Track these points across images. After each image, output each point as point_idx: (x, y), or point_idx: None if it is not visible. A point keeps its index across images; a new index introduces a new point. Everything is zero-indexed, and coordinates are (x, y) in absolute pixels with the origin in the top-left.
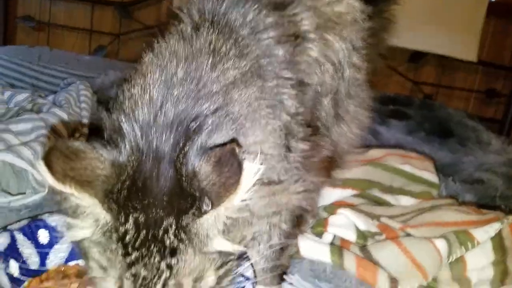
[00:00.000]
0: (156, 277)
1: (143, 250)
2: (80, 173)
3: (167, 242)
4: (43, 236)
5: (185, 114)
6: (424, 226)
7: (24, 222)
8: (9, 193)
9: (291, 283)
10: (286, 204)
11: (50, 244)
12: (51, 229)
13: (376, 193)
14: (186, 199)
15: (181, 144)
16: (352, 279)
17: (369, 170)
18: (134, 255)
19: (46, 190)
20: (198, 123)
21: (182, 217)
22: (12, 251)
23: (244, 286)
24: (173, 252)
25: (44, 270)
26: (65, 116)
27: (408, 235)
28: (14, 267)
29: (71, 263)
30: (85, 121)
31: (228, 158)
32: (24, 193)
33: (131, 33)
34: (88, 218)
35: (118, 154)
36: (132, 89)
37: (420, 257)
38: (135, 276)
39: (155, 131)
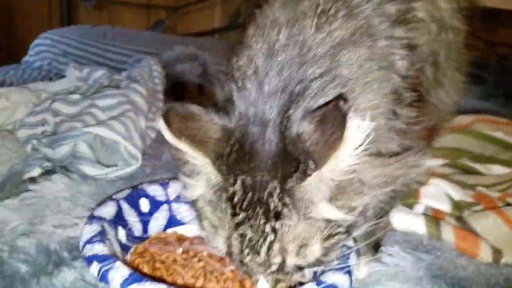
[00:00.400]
0: (262, 239)
1: (250, 211)
2: (194, 133)
3: (272, 205)
4: (144, 204)
5: (289, 80)
6: None
7: (127, 192)
8: (104, 165)
9: (390, 254)
10: (400, 176)
11: (151, 213)
12: (150, 198)
13: (466, 162)
14: (291, 162)
15: (285, 109)
16: (451, 251)
17: (458, 138)
18: (242, 215)
19: (139, 162)
20: (302, 87)
21: (287, 181)
22: (120, 219)
23: (349, 255)
24: (278, 215)
25: (146, 237)
26: (144, 91)
27: (508, 204)
28: (122, 234)
29: (169, 230)
30: (160, 96)
31: (332, 114)
32: (116, 166)
33: (187, 7)
34: (201, 178)
35: (229, 120)
36: (240, 61)
37: None
38: (242, 236)
39: (261, 99)
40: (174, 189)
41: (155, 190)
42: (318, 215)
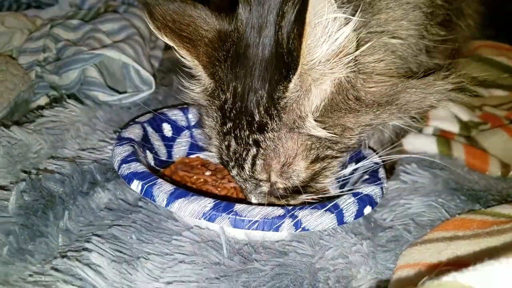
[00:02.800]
0: (245, 152)
1: (237, 121)
2: (182, 27)
3: (257, 116)
4: (167, 129)
5: None
6: None
7: (149, 116)
8: (116, 91)
9: (408, 173)
10: (425, 100)
11: (173, 138)
12: (172, 123)
13: (468, 85)
14: (281, 69)
15: (281, 12)
16: (463, 167)
17: (464, 63)
18: (229, 125)
19: (153, 87)
20: None
21: (274, 89)
22: (147, 141)
23: (378, 170)
24: (261, 127)
25: (171, 161)
26: (143, 16)
27: None
28: (150, 157)
29: (192, 156)
30: None
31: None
32: (125, 92)
33: None
34: (198, 82)
35: (227, 23)
36: None
37: None
38: (228, 146)
39: (263, 11)
40: (194, 114)
41: (176, 115)
42: (304, 130)
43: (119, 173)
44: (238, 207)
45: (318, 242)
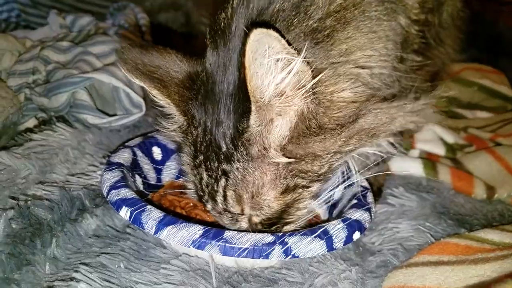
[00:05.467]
0: (215, 183)
1: (207, 154)
2: (152, 70)
3: (224, 148)
4: (156, 152)
5: (256, 12)
6: None
7: (139, 140)
8: (106, 114)
9: (395, 196)
10: (394, 122)
11: (163, 161)
12: (162, 146)
13: (454, 108)
14: (243, 104)
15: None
16: (449, 190)
17: (449, 86)
18: (200, 158)
19: (144, 110)
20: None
21: (238, 122)
22: (136, 166)
23: (367, 194)
24: (228, 158)
25: (160, 185)
26: (135, 39)
27: (498, 144)
28: (139, 181)
29: (181, 179)
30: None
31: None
32: (115, 115)
33: None
34: (172, 121)
35: (196, 65)
36: (219, 15)
37: None
38: (200, 180)
39: (227, 51)
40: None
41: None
42: (270, 160)
43: (108, 200)
44: (228, 234)
45: (307, 269)
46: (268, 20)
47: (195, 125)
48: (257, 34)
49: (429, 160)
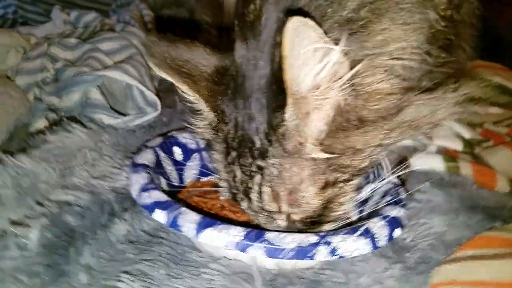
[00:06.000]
0: (250, 180)
1: (240, 150)
2: (181, 64)
3: (258, 144)
4: (177, 153)
5: (287, 3)
6: None
7: (159, 140)
8: (120, 113)
9: (422, 192)
10: (437, 113)
11: (184, 161)
12: (182, 146)
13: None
14: (277, 98)
15: (275, 41)
16: (472, 184)
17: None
18: (232, 155)
19: (159, 109)
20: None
21: (272, 117)
22: (159, 167)
23: (398, 190)
24: (262, 153)
25: (183, 186)
26: (142, 35)
27: None
28: (163, 182)
29: (203, 179)
30: None
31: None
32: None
33: None
34: (201, 117)
35: (225, 59)
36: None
37: None
38: (234, 177)
39: (258, 45)
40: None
41: (186, 138)
42: (307, 155)
43: (138, 203)
44: (270, 235)
45: (350, 269)
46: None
47: (226, 121)
48: (294, 22)
49: (449, 155)
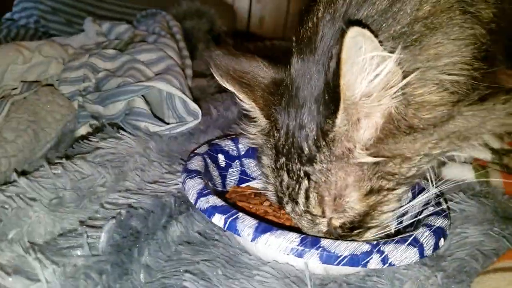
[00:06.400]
0: (297, 185)
1: (288, 156)
2: (241, 75)
3: (306, 150)
4: (221, 159)
5: (343, 20)
6: None
7: (205, 147)
8: (163, 121)
9: (456, 202)
10: (486, 125)
11: (226, 167)
12: (225, 153)
13: None
14: (329, 105)
15: (331, 52)
16: (502, 195)
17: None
18: (281, 160)
19: (200, 117)
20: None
21: (323, 123)
22: (207, 173)
23: (440, 201)
24: (310, 160)
25: (225, 191)
26: (175, 47)
27: None
28: (210, 188)
29: (243, 185)
30: (185, 52)
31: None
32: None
33: None
34: (255, 124)
35: (282, 71)
36: (305, 25)
37: None
38: (281, 182)
39: (312, 59)
40: (243, 144)
41: (228, 145)
42: (354, 161)
43: (197, 207)
44: (324, 242)
45: (394, 276)
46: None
47: (278, 128)
48: (353, 31)
49: (479, 165)
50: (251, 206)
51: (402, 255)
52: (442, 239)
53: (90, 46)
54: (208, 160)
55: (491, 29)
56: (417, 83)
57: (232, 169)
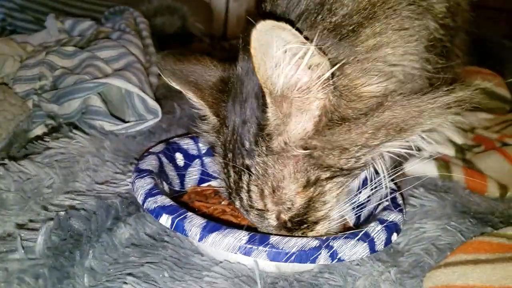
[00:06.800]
0: (240, 179)
1: (234, 151)
2: (188, 74)
3: (247, 144)
4: (179, 159)
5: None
6: None
7: (162, 146)
8: (120, 119)
9: (415, 197)
10: (424, 116)
11: (185, 167)
12: (184, 152)
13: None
14: (263, 99)
15: None
16: (464, 189)
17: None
18: (228, 156)
19: (160, 116)
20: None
21: (260, 119)
22: (162, 172)
23: (396, 196)
24: (250, 153)
25: (184, 191)
26: (139, 43)
27: (505, 144)
28: (166, 188)
29: (203, 185)
30: (151, 49)
31: None
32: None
33: None
34: (206, 122)
35: (229, 70)
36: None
37: None
38: (229, 177)
39: None
40: (204, 143)
41: (187, 144)
42: (290, 153)
43: (144, 207)
44: (273, 239)
45: (347, 272)
46: (293, 20)
47: (226, 125)
48: (264, 24)
49: (442, 160)
50: (208, 206)
51: (352, 250)
52: (395, 234)
53: (50, 44)
54: (163, 159)
55: (447, 24)
56: (354, 75)
57: (192, 169)
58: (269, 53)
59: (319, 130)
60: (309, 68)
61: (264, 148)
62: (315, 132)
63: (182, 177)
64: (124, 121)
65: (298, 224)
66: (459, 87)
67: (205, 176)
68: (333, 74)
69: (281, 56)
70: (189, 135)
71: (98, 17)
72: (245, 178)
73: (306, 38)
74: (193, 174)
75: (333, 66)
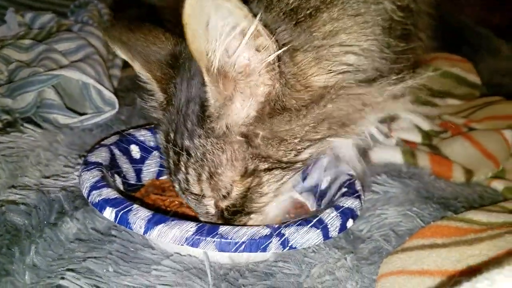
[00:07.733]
0: (178, 160)
1: (176, 131)
2: (137, 43)
3: (189, 125)
4: (135, 151)
5: None
6: (486, 120)
7: (115, 138)
8: (76, 112)
9: (379, 183)
10: (370, 108)
11: (142, 160)
12: (141, 144)
13: (426, 96)
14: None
15: None
16: (429, 175)
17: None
18: (171, 135)
19: (117, 107)
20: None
21: (203, 98)
22: (114, 165)
23: (355, 182)
24: (191, 134)
25: (140, 184)
26: (101, 35)
27: (471, 129)
28: (118, 181)
29: (162, 178)
30: None
31: None
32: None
33: None
34: (154, 98)
35: (180, 44)
36: None
37: (491, 147)
38: (169, 157)
39: None
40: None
41: (144, 136)
42: (230, 139)
43: (89, 201)
44: (223, 229)
45: (303, 260)
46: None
47: (172, 103)
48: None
49: (407, 147)
50: (164, 199)
51: (304, 237)
52: (350, 220)
53: (9, 38)
54: (116, 151)
55: (405, 6)
56: (306, 63)
57: (149, 161)
58: (205, 22)
59: (261, 117)
60: (256, 50)
61: (204, 130)
62: (257, 119)
63: (138, 170)
64: (82, 114)
65: (234, 214)
66: (409, 76)
67: (164, 169)
68: (280, 59)
69: (219, 29)
70: (147, 127)
71: (64, 12)
72: (183, 160)
73: (255, 16)
74: (151, 167)
75: (287, 52)
